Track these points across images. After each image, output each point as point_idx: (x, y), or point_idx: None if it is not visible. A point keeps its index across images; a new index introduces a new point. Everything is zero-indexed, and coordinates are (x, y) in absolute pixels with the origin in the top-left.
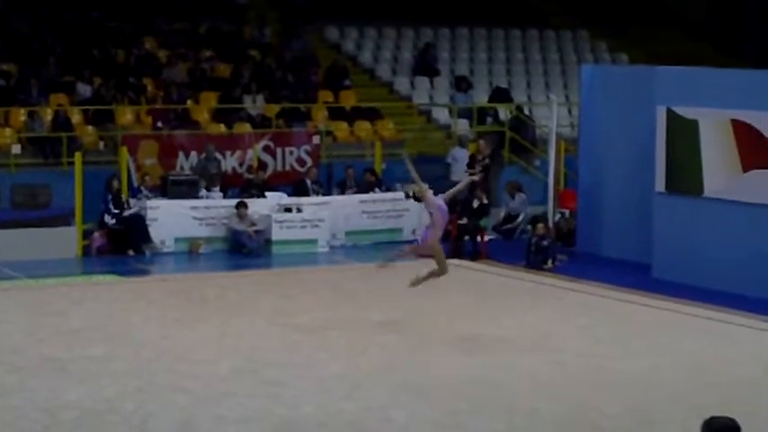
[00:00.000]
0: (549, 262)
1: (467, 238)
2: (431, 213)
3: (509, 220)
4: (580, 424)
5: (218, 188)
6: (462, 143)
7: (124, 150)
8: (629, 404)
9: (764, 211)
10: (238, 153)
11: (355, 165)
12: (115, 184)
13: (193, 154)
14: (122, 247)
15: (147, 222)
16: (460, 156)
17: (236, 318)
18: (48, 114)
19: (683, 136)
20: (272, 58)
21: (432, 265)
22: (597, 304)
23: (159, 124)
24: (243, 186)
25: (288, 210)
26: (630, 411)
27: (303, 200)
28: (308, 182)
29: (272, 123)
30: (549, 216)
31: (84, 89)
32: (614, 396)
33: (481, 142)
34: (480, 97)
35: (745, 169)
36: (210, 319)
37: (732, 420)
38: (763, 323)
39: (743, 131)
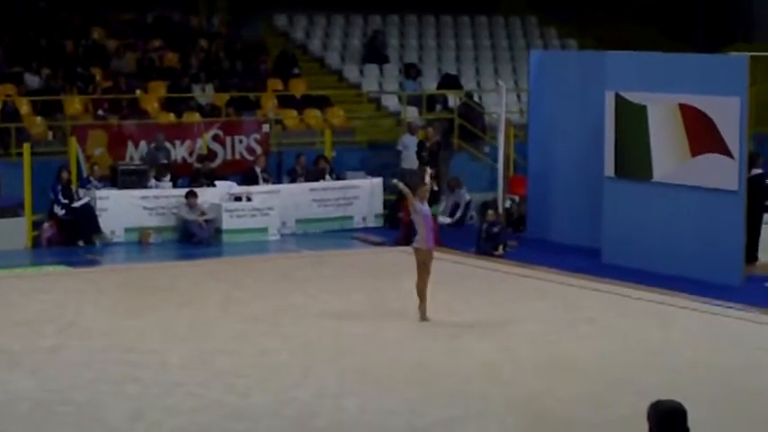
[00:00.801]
0: (500, 248)
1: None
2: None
3: (455, 209)
4: (532, 409)
5: (168, 178)
6: (412, 130)
7: (73, 141)
8: (580, 389)
9: (713, 195)
10: (188, 142)
11: (305, 153)
12: (65, 174)
13: (143, 144)
14: (72, 237)
15: (97, 212)
16: (410, 143)
17: (186, 307)
18: None
19: (632, 121)
20: (221, 46)
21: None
22: (548, 290)
23: (100, 112)
24: (192, 176)
25: (238, 199)
26: (582, 396)
27: (253, 188)
28: (258, 170)
29: (221, 112)
30: (499, 202)
31: (33, 79)
32: (566, 381)
33: (429, 129)
34: (429, 84)
35: (694, 153)
36: (161, 309)
37: (678, 403)
38: (711, 306)
39: (691, 116)
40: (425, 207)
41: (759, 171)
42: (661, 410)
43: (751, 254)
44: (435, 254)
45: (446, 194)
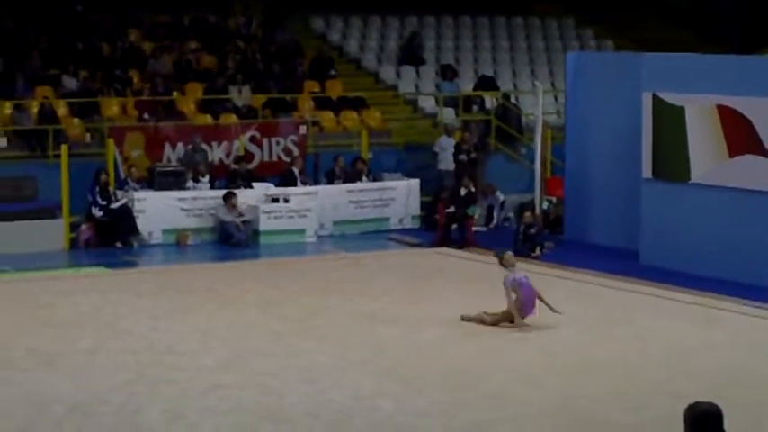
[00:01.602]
0: (537, 249)
1: (454, 226)
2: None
3: (490, 216)
4: (568, 412)
5: (206, 178)
6: (448, 132)
7: (111, 142)
8: (617, 391)
9: (750, 196)
10: (225, 144)
11: (342, 154)
12: (102, 176)
13: (180, 145)
14: (110, 239)
15: (135, 214)
16: (447, 144)
17: (224, 309)
18: (34, 107)
19: (670, 122)
20: (258, 48)
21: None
22: (585, 291)
23: (146, 116)
24: (229, 177)
25: (275, 200)
26: (618, 398)
27: (290, 190)
28: (296, 171)
29: (258, 114)
30: (537, 204)
31: (70, 82)
32: (602, 383)
33: (466, 134)
34: (466, 86)
35: (732, 155)
36: (199, 311)
37: (714, 405)
38: (749, 308)
39: (729, 117)
40: (516, 274)
41: None
42: (696, 412)
43: None
44: (471, 255)
45: (480, 200)
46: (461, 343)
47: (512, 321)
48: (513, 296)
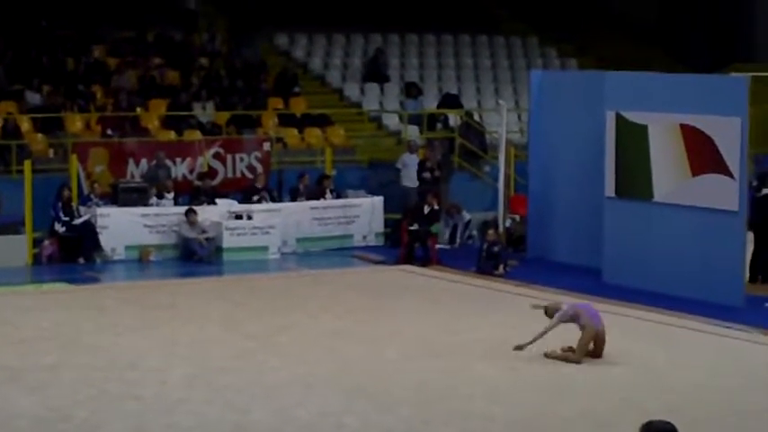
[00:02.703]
0: (501, 267)
1: (417, 244)
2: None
3: (454, 234)
4: (533, 429)
5: (171, 194)
6: (412, 149)
7: (74, 158)
8: (582, 409)
9: (713, 215)
10: (188, 160)
11: (306, 171)
12: (65, 192)
13: (143, 161)
14: (73, 255)
15: (98, 230)
16: (410, 161)
17: (187, 325)
18: None
19: (633, 141)
20: (222, 65)
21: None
22: None
23: (109, 132)
24: (193, 193)
25: (238, 217)
26: (584, 416)
27: (254, 207)
28: (259, 188)
29: (222, 130)
30: (500, 222)
31: (33, 97)
32: (567, 400)
33: (431, 148)
34: (430, 103)
35: (694, 173)
36: (162, 327)
37: (669, 424)
38: (712, 327)
39: (692, 136)
40: (566, 307)
41: None
42: (651, 430)
43: (765, 274)
44: (435, 272)
45: (444, 219)
46: (427, 360)
47: (592, 354)
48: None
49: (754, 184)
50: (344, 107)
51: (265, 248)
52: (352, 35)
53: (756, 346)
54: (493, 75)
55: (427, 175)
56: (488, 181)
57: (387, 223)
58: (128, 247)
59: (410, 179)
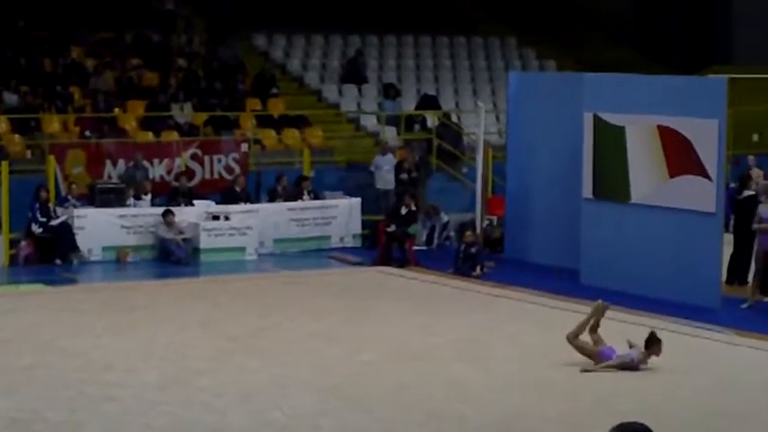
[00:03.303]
0: (478, 269)
1: (395, 245)
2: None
3: (431, 235)
4: (509, 430)
5: (149, 196)
6: (384, 151)
7: (51, 159)
8: (556, 409)
9: (691, 216)
10: (166, 161)
11: (284, 173)
12: (43, 193)
13: (121, 162)
14: (50, 256)
15: (75, 231)
16: (382, 163)
17: (164, 326)
18: None
19: (610, 142)
20: (200, 66)
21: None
22: (525, 311)
23: (87, 133)
24: (170, 194)
25: (216, 218)
26: (558, 417)
27: (231, 208)
28: (237, 189)
29: (199, 131)
30: (478, 223)
31: (11, 98)
32: (542, 401)
33: (408, 150)
34: (408, 105)
35: (672, 175)
36: (139, 328)
37: (642, 425)
38: (689, 328)
39: (669, 137)
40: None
41: (751, 193)
42: None
43: (741, 276)
44: (412, 273)
45: (422, 220)
46: (403, 361)
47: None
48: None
49: (735, 186)
50: (322, 108)
51: (242, 249)
52: (331, 36)
53: (732, 348)
54: (471, 76)
55: (405, 176)
56: (466, 182)
57: (364, 224)
58: (105, 248)
59: (384, 181)
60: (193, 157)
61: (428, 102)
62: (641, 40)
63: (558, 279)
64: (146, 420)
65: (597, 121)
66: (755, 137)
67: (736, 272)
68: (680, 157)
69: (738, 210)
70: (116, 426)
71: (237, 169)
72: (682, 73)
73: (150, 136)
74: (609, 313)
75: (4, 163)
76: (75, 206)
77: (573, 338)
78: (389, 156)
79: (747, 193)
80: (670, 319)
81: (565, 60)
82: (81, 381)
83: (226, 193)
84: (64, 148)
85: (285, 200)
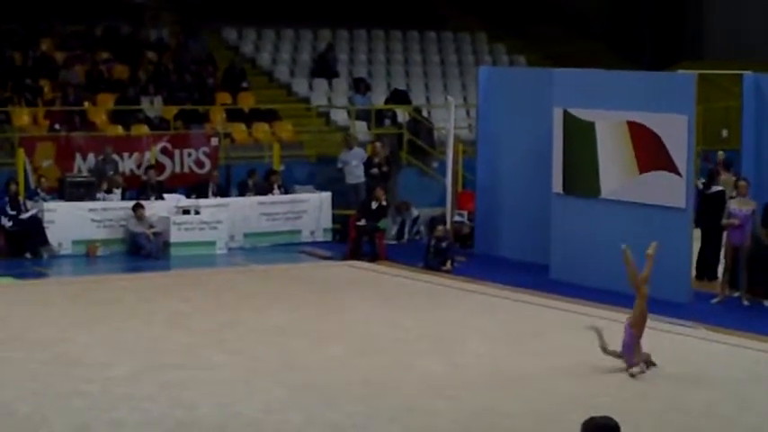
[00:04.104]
0: (448, 263)
1: (365, 239)
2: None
3: (402, 230)
4: (479, 425)
5: (120, 190)
6: (350, 145)
7: (21, 152)
8: (528, 405)
9: (660, 212)
10: (136, 155)
11: (254, 166)
12: (12, 186)
13: (91, 156)
14: (19, 249)
15: (45, 225)
16: (349, 158)
17: (133, 320)
18: None
19: (580, 138)
20: (170, 59)
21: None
22: (495, 305)
23: (57, 126)
24: (140, 188)
25: (186, 212)
26: (529, 412)
27: (201, 202)
28: (211, 184)
29: (169, 125)
30: (448, 218)
31: None
32: (513, 396)
33: (378, 144)
34: (379, 99)
35: (642, 171)
36: (108, 322)
37: (610, 419)
38: (659, 323)
39: (639, 133)
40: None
41: (719, 188)
42: (592, 427)
43: (711, 271)
44: (382, 268)
45: (392, 215)
46: (372, 356)
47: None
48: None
49: (703, 181)
50: (293, 102)
51: (213, 243)
52: (301, 30)
53: (703, 343)
54: (441, 71)
55: (375, 170)
56: (436, 177)
57: (335, 219)
58: (75, 242)
59: (353, 176)
60: (163, 150)
61: (398, 96)
62: (612, 35)
63: (528, 274)
64: (114, 414)
65: (567, 116)
66: (725, 132)
67: (706, 267)
68: (650, 152)
69: (706, 205)
70: (84, 420)
71: (208, 163)
72: (652, 69)
73: (120, 129)
74: (578, 307)
75: None
76: (44, 200)
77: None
78: (357, 150)
79: (716, 188)
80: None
81: (535, 56)
82: (49, 374)
83: (198, 187)
84: (33, 142)
85: (255, 194)
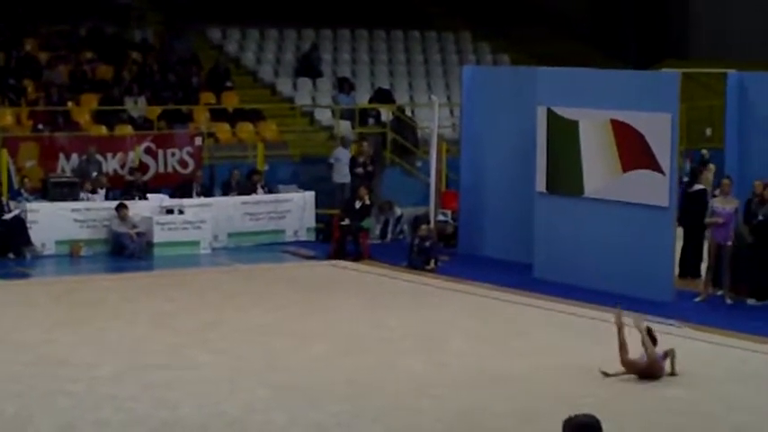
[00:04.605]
0: (431, 263)
1: (349, 239)
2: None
3: (385, 229)
4: (463, 424)
5: (104, 190)
6: (345, 144)
7: (4, 152)
8: (512, 404)
9: (643, 210)
10: (120, 155)
11: (238, 166)
12: None
13: (74, 156)
14: (2, 250)
15: (28, 225)
16: (343, 156)
17: (117, 320)
18: None
19: (563, 136)
20: (154, 59)
21: None
22: (479, 304)
23: (40, 127)
24: (124, 188)
25: (169, 211)
26: (514, 411)
27: (185, 201)
28: (195, 184)
29: (153, 125)
30: (431, 217)
31: None
32: (498, 396)
33: (364, 144)
34: (362, 98)
35: (625, 169)
36: (92, 323)
37: (591, 417)
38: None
39: (622, 132)
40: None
41: (701, 187)
42: (574, 424)
43: (694, 270)
44: (366, 267)
45: (376, 214)
46: (356, 355)
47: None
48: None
49: (686, 179)
50: (277, 102)
51: (196, 243)
52: (285, 30)
53: (686, 341)
54: (425, 70)
55: (360, 170)
56: (420, 176)
57: (318, 218)
58: (58, 242)
59: (341, 174)
60: (147, 150)
61: (382, 95)
62: (595, 34)
63: (512, 273)
64: (98, 414)
65: (551, 115)
66: (708, 131)
67: (688, 265)
68: (633, 151)
69: (688, 203)
70: (68, 420)
71: (191, 163)
72: (635, 67)
73: (104, 129)
74: (562, 306)
75: None
76: (28, 200)
77: (624, 360)
78: (349, 149)
79: (698, 186)
80: (623, 313)
81: (519, 55)
82: (33, 375)
83: (182, 187)
84: (17, 142)
85: (239, 194)
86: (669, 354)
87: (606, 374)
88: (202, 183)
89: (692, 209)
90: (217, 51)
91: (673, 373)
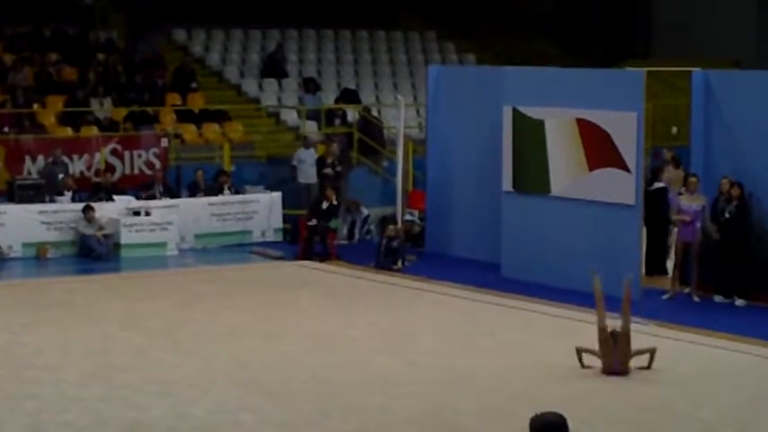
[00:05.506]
0: (399, 262)
1: (316, 239)
2: None
3: (352, 229)
4: (433, 423)
5: (70, 192)
6: (307, 144)
7: None
8: (479, 402)
9: (610, 209)
10: (86, 157)
11: (204, 167)
12: None
13: (40, 158)
14: None
15: None
16: (305, 157)
17: (84, 322)
18: None
19: (530, 136)
20: (119, 60)
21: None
22: (447, 303)
23: (6, 129)
24: (91, 190)
25: (136, 213)
26: (481, 409)
27: (152, 203)
28: (158, 185)
29: (119, 126)
30: (398, 217)
31: None
32: (465, 394)
33: (333, 144)
34: (329, 99)
35: (591, 168)
36: (59, 324)
37: (557, 416)
38: (610, 320)
39: (588, 130)
40: None
41: (661, 185)
42: (539, 424)
43: (659, 267)
44: (333, 267)
45: (343, 214)
46: (324, 354)
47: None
48: None
49: (648, 177)
50: (243, 103)
51: (163, 245)
52: (250, 31)
53: (653, 339)
54: (391, 70)
55: (329, 170)
56: (387, 176)
57: (285, 219)
58: (25, 245)
59: (306, 175)
60: (113, 152)
61: (348, 96)
62: (560, 33)
63: (480, 272)
64: (66, 417)
65: (516, 114)
66: (674, 130)
67: (654, 263)
68: (599, 149)
69: (649, 201)
70: (35, 422)
71: (158, 164)
72: (601, 66)
73: (70, 131)
74: (530, 305)
75: None
76: None
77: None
78: (312, 150)
79: (658, 184)
80: (591, 312)
81: (484, 54)
82: None
83: (146, 187)
84: None
85: (206, 194)
86: (650, 351)
87: (580, 351)
88: (164, 182)
89: (652, 207)
90: (182, 52)
91: (649, 367)
